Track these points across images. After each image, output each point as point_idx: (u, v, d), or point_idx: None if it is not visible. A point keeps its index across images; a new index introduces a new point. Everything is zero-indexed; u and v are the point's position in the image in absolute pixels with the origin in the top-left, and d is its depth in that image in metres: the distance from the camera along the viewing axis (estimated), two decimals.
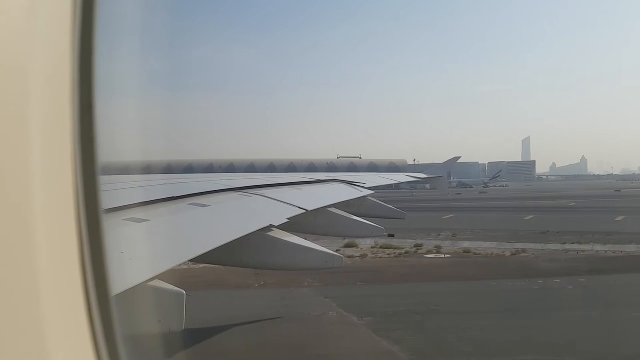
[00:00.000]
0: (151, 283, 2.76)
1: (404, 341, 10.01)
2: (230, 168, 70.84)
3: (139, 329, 2.63)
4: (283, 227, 5.10)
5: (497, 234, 26.25)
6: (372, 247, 22.17)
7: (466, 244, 22.99)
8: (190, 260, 3.38)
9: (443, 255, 20.70)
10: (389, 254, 20.79)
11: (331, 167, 72.72)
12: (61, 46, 1.15)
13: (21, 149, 1.06)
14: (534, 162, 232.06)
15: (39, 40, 1.09)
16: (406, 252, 21.21)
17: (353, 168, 75.34)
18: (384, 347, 9.84)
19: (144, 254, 2.94)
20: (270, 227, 4.84)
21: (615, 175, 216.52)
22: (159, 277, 2.85)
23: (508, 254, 20.69)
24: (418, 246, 22.35)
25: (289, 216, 5.41)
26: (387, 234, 9.71)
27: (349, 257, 19.95)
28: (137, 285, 2.33)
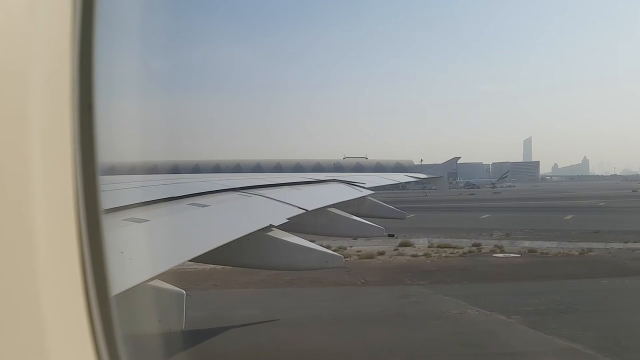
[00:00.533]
0: (151, 283, 2.77)
1: (579, 339, 9.81)
2: (237, 168, 71.08)
3: (139, 329, 2.64)
4: (283, 227, 5.10)
5: (549, 233, 26.01)
6: (429, 247, 22.21)
7: (526, 244, 22.76)
8: (190, 260, 3.38)
9: (511, 255, 20.40)
10: (452, 253, 20.73)
11: (338, 168, 72.83)
12: (61, 46, 1.15)
13: (21, 149, 1.06)
14: (538, 163, 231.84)
15: (39, 40, 1.09)
16: (469, 252, 21.14)
17: (359, 168, 75.32)
18: (563, 345, 9.70)
19: (144, 254, 2.94)
20: (270, 227, 4.84)
21: (619, 175, 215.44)
22: (159, 277, 2.85)
23: (576, 252, 20.47)
24: (476, 245, 22.21)
25: (289, 216, 5.41)
26: (387, 234, 9.65)
27: (412, 256, 20.23)
28: (137, 285, 2.33)
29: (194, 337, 9.33)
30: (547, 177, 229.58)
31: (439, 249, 21.66)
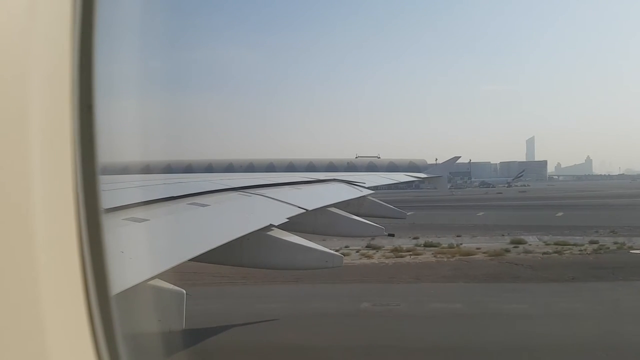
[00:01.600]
0: (151, 282, 2.77)
1: None
2: (250, 167, 71.29)
3: (139, 328, 2.64)
4: (283, 226, 5.10)
5: None
6: (547, 244, 22.29)
7: None
8: (190, 260, 3.38)
9: None
10: (581, 251, 20.64)
11: (351, 167, 72.45)
12: (61, 46, 1.15)
13: (21, 149, 1.06)
14: (545, 162, 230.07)
15: (39, 40, 1.10)
16: (599, 249, 21.05)
17: (373, 167, 74.55)
18: None
19: (144, 253, 2.94)
20: (270, 227, 4.84)
21: (627, 175, 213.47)
22: (159, 276, 2.85)
23: None
24: (594, 243, 22.25)
25: (289, 216, 5.41)
26: (386, 234, 9.64)
27: (543, 253, 20.23)
28: (137, 285, 2.33)
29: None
30: (555, 177, 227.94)
31: (558, 246, 21.67)
